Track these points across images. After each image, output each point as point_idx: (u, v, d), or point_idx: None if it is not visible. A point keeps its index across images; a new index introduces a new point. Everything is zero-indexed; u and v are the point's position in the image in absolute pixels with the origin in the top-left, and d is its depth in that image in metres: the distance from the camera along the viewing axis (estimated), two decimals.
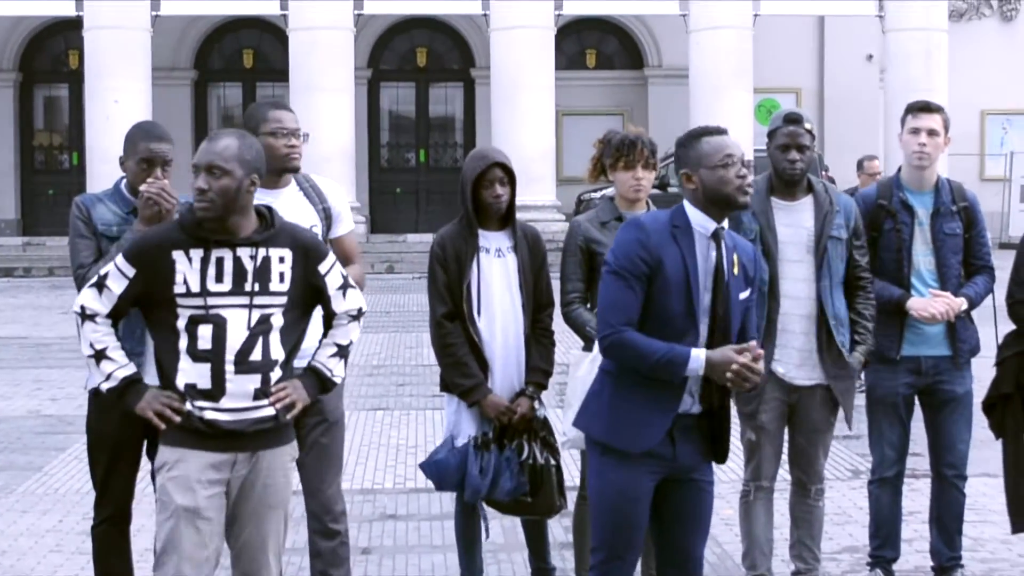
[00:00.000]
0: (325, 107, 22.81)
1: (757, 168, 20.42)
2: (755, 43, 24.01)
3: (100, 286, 4.30)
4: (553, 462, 5.68)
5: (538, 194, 22.50)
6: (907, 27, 24.04)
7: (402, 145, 29.97)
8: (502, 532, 6.93)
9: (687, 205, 4.43)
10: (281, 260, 4.31)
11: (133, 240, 4.38)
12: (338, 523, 5.41)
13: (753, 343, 4.33)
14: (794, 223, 5.62)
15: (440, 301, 5.65)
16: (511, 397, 5.64)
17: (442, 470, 5.66)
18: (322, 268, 4.41)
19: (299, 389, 4.39)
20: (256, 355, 4.26)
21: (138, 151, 5.19)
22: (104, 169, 20.22)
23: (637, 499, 4.44)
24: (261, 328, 4.27)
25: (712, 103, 23.36)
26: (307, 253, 4.38)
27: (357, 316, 4.55)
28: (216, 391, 4.25)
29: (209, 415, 4.25)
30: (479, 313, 5.61)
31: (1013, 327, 6.01)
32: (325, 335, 4.55)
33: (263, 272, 4.27)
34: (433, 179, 29.33)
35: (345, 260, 5.37)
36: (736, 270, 4.42)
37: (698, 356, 4.27)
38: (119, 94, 22.77)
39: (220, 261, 4.25)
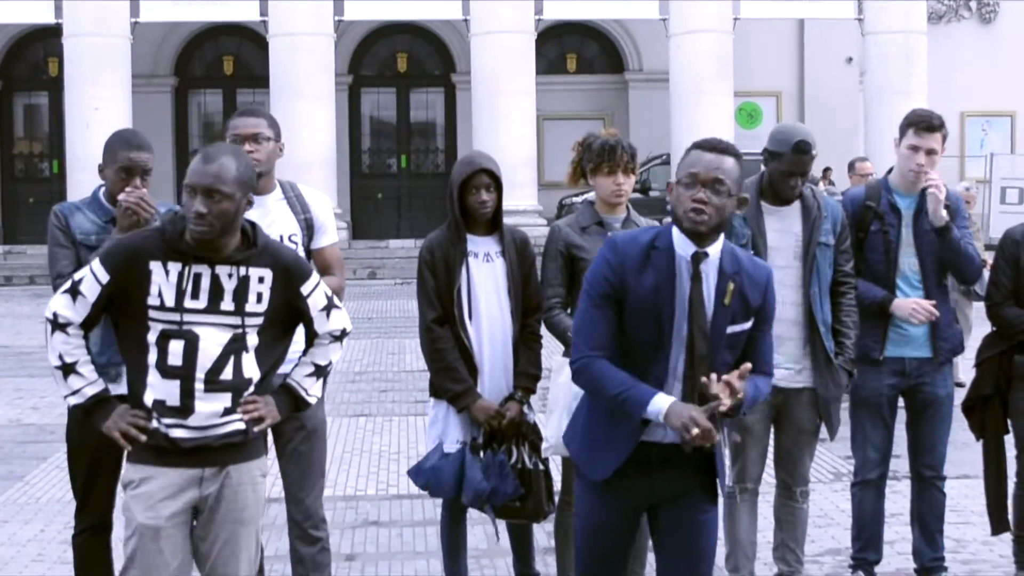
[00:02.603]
0: (306, 113, 22.79)
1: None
2: (735, 47, 24.06)
3: (74, 292, 4.14)
4: (541, 467, 5.68)
5: (520, 199, 22.50)
6: (886, 30, 24.13)
7: (383, 151, 29.98)
8: (485, 538, 6.92)
9: (675, 225, 4.14)
10: (260, 280, 4.17)
11: (110, 245, 4.23)
12: (319, 530, 5.41)
13: (718, 399, 3.90)
14: (783, 228, 5.64)
15: (429, 306, 5.65)
16: (500, 401, 5.64)
17: (438, 475, 5.64)
18: (304, 289, 4.26)
19: (270, 405, 4.25)
20: (227, 374, 4.12)
21: (117, 160, 5.16)
22: (84, 177, 20.19)
23: (609, 528, 4.27)
24: (234, 347, 4.12)
25: (692, 107, 23.43)
26: (289, 274, 4.22)
27: (340, 337, 4.40)
28: (184, 409, 4.10)
29: (174, 433, 4.10)
30: (470, 318, 5.62)
31: (992, 328, 6.05)
32: (305, 352, 4.40)
33: (240, 292, 4.13)
34: (414, 184, 29.35)
35: (325, 271, 5.37)
36: (727, 300, 4.07)
37: (658, 404, 3.97)
38: (99, 102, 22.72)
39: (198, 277, 4.10)
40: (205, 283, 4.10)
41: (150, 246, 4.13)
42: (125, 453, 4.22)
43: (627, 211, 5.74)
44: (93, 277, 4.13)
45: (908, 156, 5.92)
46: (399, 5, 24.67)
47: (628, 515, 4.28)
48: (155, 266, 4.09)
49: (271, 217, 5.27)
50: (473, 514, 5.95)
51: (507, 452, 5.60)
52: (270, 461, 5.39)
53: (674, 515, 4.23)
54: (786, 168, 5.57)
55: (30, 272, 23.11)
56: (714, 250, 4.10)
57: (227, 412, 4.13)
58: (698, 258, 4.07)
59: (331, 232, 5.48)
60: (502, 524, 5.86)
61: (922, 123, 5.93)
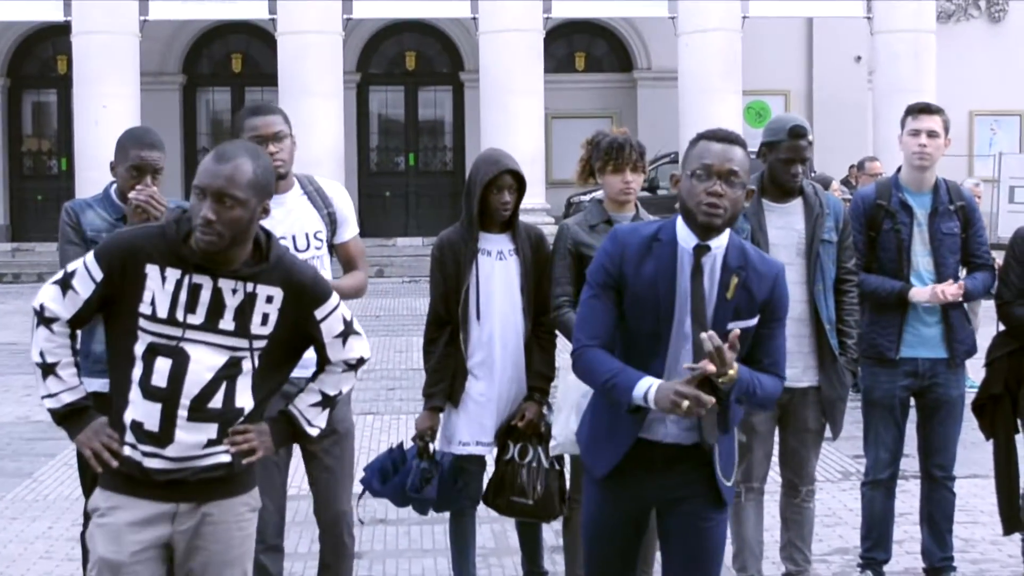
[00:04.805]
0: (314, 111, 22.76)
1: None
2: (744, 45, 24.03)
3: (65, 285, 3.71)
4: (557, 467, 5.68)
5: (528, 197, 22.18)
6: (895, 28, 24.07)
7: (391, 149, 29.96)
8: (493, 537, 6.92)
9: (680, 217, 4.00)
10: (269, 300, 3.72)
11: (109, 238, 3.81)
12: (347, 535, 5.40)
13: (703, 363, 3.75)
14: (785, 225, 5.63)
15: (433, 306, 5.68)
16: (513, 400, 5.65)
17: (374, 470, 5.80)
18: (319, 313, 3.79)
19: (264, 435, 3.80)
20: (216, 402, 3.68)
21: (129, 158, 5.16)
22: (93, 175, 20.21)
23: (612, 526, 4.18)
24: (227, 373, 3.68)
25: (701, 105, 23.38)
26: (302, 295, 3.76)
27: (356, 366, 3.94)
28: (163, 437, 3.66)
29: (148, 462, 3.67)
30: (478, 317, 5.60)
31: (1003, 328, 6.04)
32: (314, 378, 3.95)
33: (244, 311, 3.68)
34: (422, 182, 29.35)
35: (349, 265, 5.35)
36: (730, 293, 3.93)
37: (642, 387, 3.83)
38: (108, 99, 22.73)
39: (196, 289, 3.66)
40: (205, 296, 3.67)
41: (150, 246, 3.68)
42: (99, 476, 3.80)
43: (636, 209, 5.74)
44: (87, 272, 3.70)
45: (910, 142, 5.96)
46: (407, 3, 24.67)
47: (631, 515, 4.19)
48: (151, 269, 3.66)
49: (294, 215, 5.21)
50: (482, 513, 5.96)
51: (521, 451, 5.61)
52: (295, 462, 5.41)
53: (679, 519, 4.13)
54: (785, 155, 5.56)
55: (38, 270, 23.10)
56: (718, 243, 3.96)
57: (210, 443, 3.70)
58: (700, 251, 3.94)
59: (352, 224, 5.38)
60: (492, 523, 5.86)
61: (918, 106, 6.05)
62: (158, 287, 3.66)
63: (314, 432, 3.96)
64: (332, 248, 5.35)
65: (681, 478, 4.08)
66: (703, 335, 3.76)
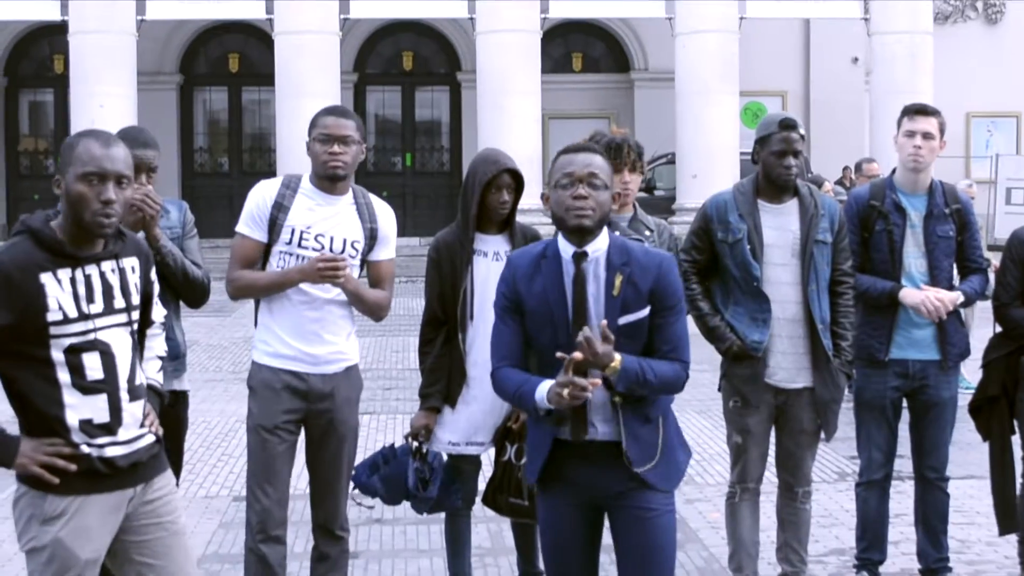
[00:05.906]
0: (311, 111, 22.49)
1: (743, 171, 20.42)
2: (741, 46, 24.02)
3: None
4: None
5: (525, 198, 22.32)
6: (892, 30, 24.07)
7: (388, 149, 29.96)
8: (489, 536, 6.92)
9: (559, 230, 4.22)
10: (132, 270, 3.92)
11: None
12: (343, 531, 5.42)
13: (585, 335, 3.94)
14: (780, 226, 5.62)
15: (429, 307, 5.67)
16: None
17: (364, 466, 5.78)
18: (152, 275, 4.08)
19: (152, 412, 4.02)
20: (139, 379, 3.90)
21: None
22: None
23: (558, 527, 4.27)
24: (133, 347, 3.89)
25: (698, 106, 23.40)
26: (148, 260, 4.03)
27: (164, 323, 4.30)
28: (114, 423, 3.80)
29: (109, 451, 3.79)
30: (471, 318, 5.60)
31: (1000, 329, 6.04)
32: (144, 348, 4.13)
33: (124, 286, 3.87)
34: (419, 183, 29.35)
35: (378, 285, 5.37)
36: (616, 291, 4.10)
37: (540, 390, 4.03)
38: (104, 99, 22.71)
39: (89, 279, 3.78)
40: (96, 284, 3.80)
41: (35, 258, 3.73)
42: (14, 477, 3.80)
43: (634, 210, 5.73)
44: None
45: (905, 143, 5.96)
46: (405, 4, 24.66)
47: (579, 517, 4.26)
48: (47, 278, 3.71)
49: (339, 219, 5.24)
50: (478, 513, 5.95)
51: (519, 452, 5.61)
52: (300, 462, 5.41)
53: (624, 514, 4.22)
54: (777, 147, 5.55)
55: None
56: (597, 247, 4.14)
57: (143, 420, 3.91)
58: (579, 258, 4.13)
59: (391, 247, 5.41)
60: (488, 523, 5.85)
61: (914, 107, 6.06)
62: (58, 291, 3.73)
63: (167, 395, 4.29)
64: (365, 264, 5.37)
65: (621, 473, 4.17)
66: (580, 333, 3.96)
